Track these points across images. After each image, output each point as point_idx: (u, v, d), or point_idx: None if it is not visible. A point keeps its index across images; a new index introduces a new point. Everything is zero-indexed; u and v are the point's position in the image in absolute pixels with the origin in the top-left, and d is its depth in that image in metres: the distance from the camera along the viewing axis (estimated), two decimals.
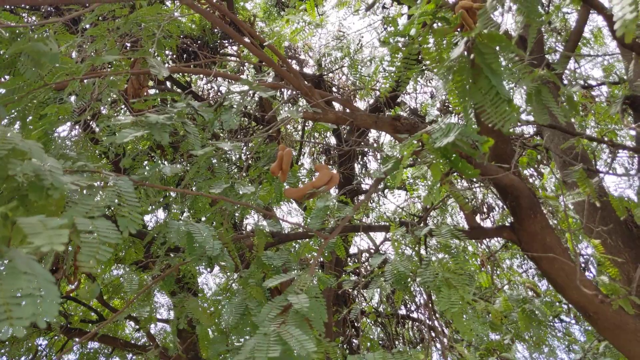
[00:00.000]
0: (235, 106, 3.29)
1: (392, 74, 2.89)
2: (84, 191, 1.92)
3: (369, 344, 8.20)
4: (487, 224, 8.39)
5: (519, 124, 4.79)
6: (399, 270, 4.10)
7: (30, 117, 3.19)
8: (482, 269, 7.34)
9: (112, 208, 1.91)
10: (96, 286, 4.45)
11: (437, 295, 3.67)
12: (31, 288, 1.26)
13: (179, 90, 7.93)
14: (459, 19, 2.75)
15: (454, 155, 2.59)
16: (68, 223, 1.41)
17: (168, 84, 8.18)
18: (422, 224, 4.62)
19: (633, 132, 6.02)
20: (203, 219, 4.46)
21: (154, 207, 4.73)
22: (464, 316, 3.52)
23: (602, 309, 3.77)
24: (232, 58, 8.68)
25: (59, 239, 1.30)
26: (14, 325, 1.18)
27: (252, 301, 3.54)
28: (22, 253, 1.34)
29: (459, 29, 2.85)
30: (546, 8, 6.91)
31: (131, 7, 4.73)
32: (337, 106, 7.83)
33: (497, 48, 2.44)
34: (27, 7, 7.18)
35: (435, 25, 2.83)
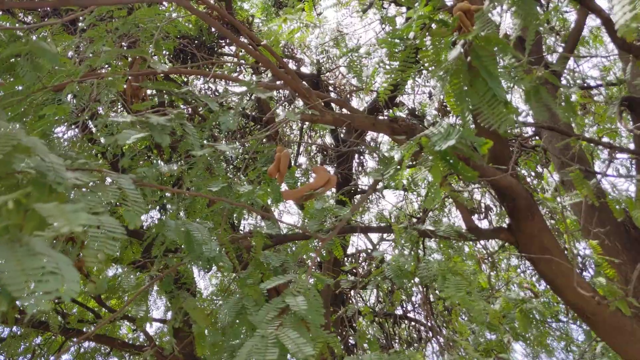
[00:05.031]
0: (233, 108, 3.30)
1: (392, 70, 2.88)
2: (85, 189, 1.93)
3: (365, 344, 8.20)
4: (485, 224, 8.41)
5: (516, 125, 4.79)
6: (399, 263, 4.11)
7: (29, 117, 3.19)
8: (481, 268, 7.34)
9: (117, 204, 1.92)
10: (104, 281, 4.44)
11: (442, 283, 3.69)
12: (52, 267, 1.27)
13: (176, 90, 7.91)
14: (457, 22, 2.75)
15: (453, 158, 2.59)
16: (82, 206, 1.41)
17: None
18: (421, 224, 4.62)
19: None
20: (199, 220, 4.45)
21: (151, 206, 4.73)
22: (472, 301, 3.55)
23: (599, 311, 3.78)
24: (230, 59, 8.67)
25: (77, 220, 1.31)
26: (42, 298, 1.20)
27: (248, 300, 3.54)
28: (37, 239, 1.34)
29: (456, 31, 2.86)
30: (544, 8, 6.91)
31: (129, 8, 4.72)
32: (335, 106, 7.83)
33: (495, 50, 2.44)
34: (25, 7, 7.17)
35: (433, 26, 2.83)
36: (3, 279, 1.20)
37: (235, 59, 8.25)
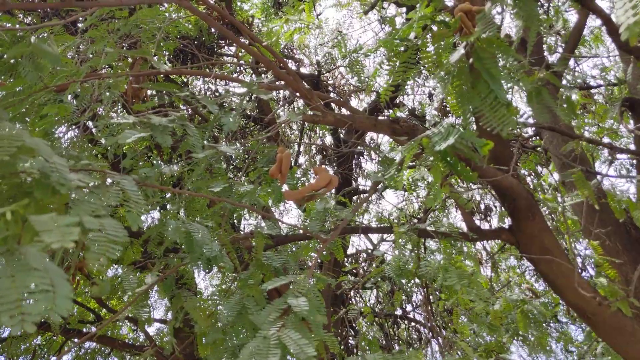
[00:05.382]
0: (234, 109, 3.29)
1: (393, 71, 2.88)
2: (87, 190, 1.93)
3: (363, 343, 8.20)
4: (485, 224, 8.42)
5: (517, 126, 4.80)
6: (400, 263, 4.12)
7: (31, 117, 3.19)
8: (480, 269, 7.34)
9: (119, 205, 1.92)
10: (107, 284, 4.44)
11: (444, 275, 3.71)
12: (44, 284, 1.26)
13: (176, 91, 7.91)
14: (458, 23, 2.75)
15: (453, 158, 2.59)
16: (77, 221, 1.41)
17: None
18: (422, 224, 4.63)
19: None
20: (198, 219, 4.45)
21: (151, 206, 4.73)
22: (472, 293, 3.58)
23: (600, 311, 3.78)
24: (230, 59, 8.67)
25: (70, 236, 1.31)
26: (26, 320, 1.19)
27: (249, 300, 3.55)
28: (33, 250, 1.34)
29: (458, 33, 2.86)
30: (545, 8, 6.91)
31: (131, 8, 4.72)
32: (335, 106, 7.83)
33: (497, 52, 2.45)
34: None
35: (434, 27, 2.83)
36: None
37: (235, 60, 8.25)
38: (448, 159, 2.59)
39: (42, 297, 1.24)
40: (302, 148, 9.46)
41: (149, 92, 6.05)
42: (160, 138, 2.45)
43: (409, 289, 8.16)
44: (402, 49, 2.76)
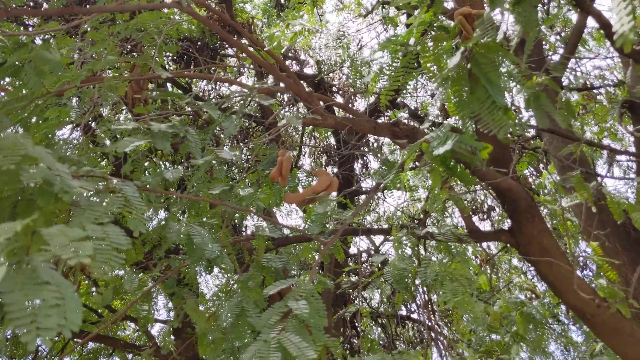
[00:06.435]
0: (235, 112, 3.32)
1: (393, 74, 2.89)
2: (91, 196, 1.94)
3: (368, 344, 8.22)
4: (486, 224, 8.43)
5: (517, 128, 4.81)
6: (399, 269, 4.13)
7: (33, 120, 3.21)
8: (482, 270, 7.35)
9: (121, 209, 1.93)
10: (108, 293, 4.46)
11: (440, 288, 3.73)
12: (54, 298, 1.28)
13: (179, 91, 7.93)
14: (458, 27, 2.77)
15: (452, 162, 2.61)
16: (86, 234, 1.43)
17: (168, 85, 8.15)
18: (421, 227, 4.65)
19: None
20: (204, 219, 4.47)
21: (154, 212, 4.75)
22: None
23: (599, 312, 3.79)
24: (233, 60, 8.70)
25: (85, 252, 1.33)
26: (42, 335, 1.20)
27: (248, 303, 3.57)
28: (40, 261, 1.36)
29: (457, 36, 2.87)
30: (546, 6, 6.90)
31: (132, 11, 4.74)
32: (336, 108, 7.85)
33: (496, 57, 2.46)
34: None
35: (434, 31, 2.85)
36: (7, 309, 1.22)
37: (237, 61, 8.28)
38: (447, 162, 2.61)
39: (54, 311, 1.25)
40: (303, 150, 9.48)
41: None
42: (159, 144, 2.47)
43: (412, 290, 8.17)
44: (403, 53, 2.78)
